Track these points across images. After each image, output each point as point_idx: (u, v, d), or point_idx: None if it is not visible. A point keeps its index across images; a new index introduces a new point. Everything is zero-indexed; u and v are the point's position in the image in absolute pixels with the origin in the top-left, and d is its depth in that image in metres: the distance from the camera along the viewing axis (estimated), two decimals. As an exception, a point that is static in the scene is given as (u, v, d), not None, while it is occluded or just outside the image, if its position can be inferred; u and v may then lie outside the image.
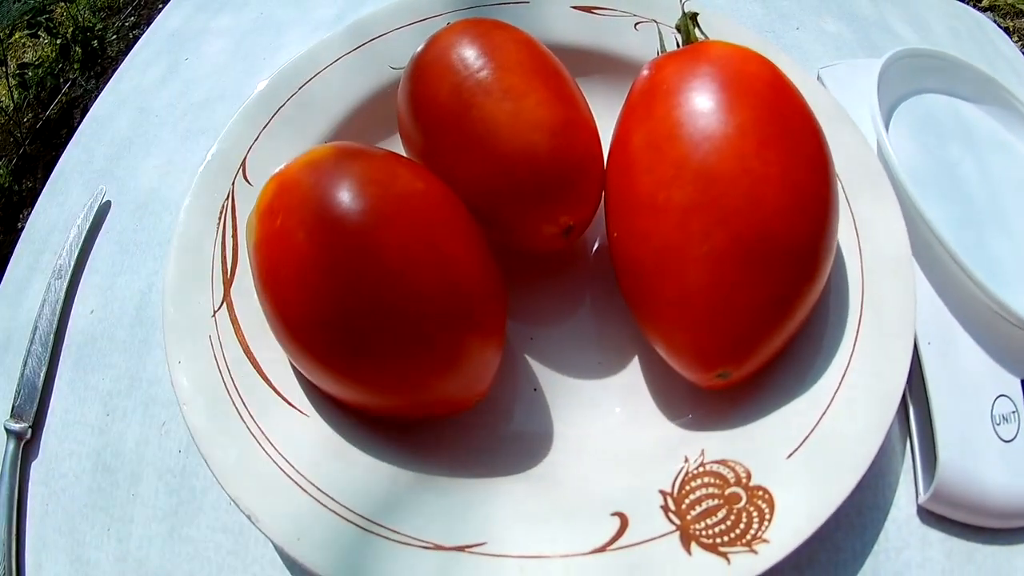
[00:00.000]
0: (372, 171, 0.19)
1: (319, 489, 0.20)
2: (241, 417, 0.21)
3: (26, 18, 0.71)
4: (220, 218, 0.25)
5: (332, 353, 0.19)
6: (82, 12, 0.79)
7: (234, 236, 0.24)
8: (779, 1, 0.36)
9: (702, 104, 0.19)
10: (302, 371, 0.21)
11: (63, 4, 0.78)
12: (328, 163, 0.20)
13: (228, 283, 0.24)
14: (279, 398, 0.22)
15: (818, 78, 0.31)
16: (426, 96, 0.22)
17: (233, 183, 0.25)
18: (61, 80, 0.73)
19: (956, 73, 0.32)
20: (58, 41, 0.75)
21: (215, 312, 0.23)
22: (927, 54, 0.31)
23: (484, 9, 0.29)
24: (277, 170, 0.21)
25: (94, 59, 0.75)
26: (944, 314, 0.25)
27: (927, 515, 0.23)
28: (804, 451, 0.20)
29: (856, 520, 0.23)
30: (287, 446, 0.21)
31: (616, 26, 0.29)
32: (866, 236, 0.23)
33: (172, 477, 0.25)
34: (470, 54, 0.22)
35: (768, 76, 0.20)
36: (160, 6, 0.43)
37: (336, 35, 0.28)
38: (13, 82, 0.71)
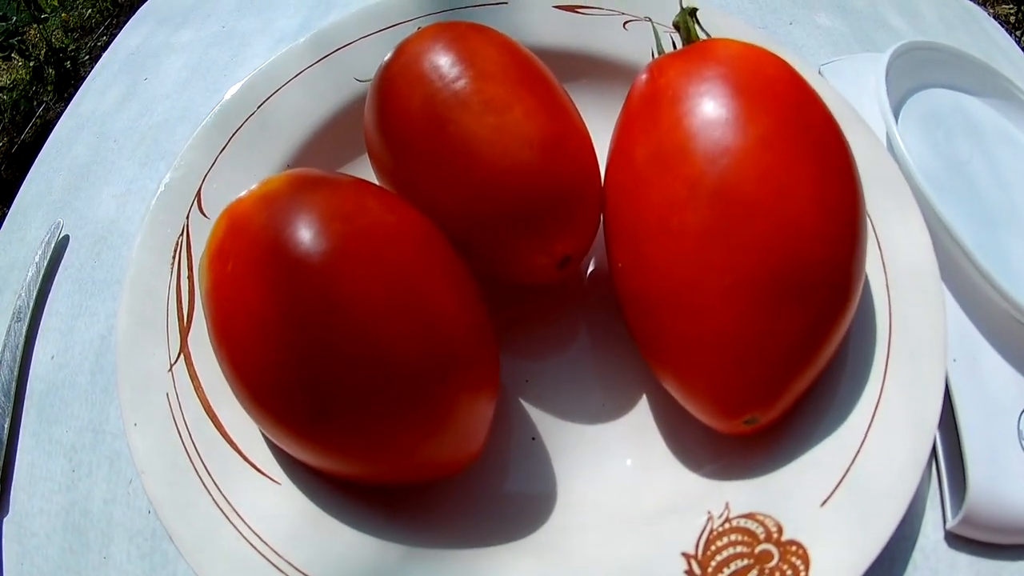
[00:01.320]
0: (333, 203, 0.15)
1: (295, 568, 0.16)
2: (205, 486, 0.18)
3: (-2, 40, 0.65)
4: (174, 258, 0.21)
5: (296, 417, 0.15)
6: (54, 33, 0.73)
7: (189, 278, 0.21)
8: (770, -6, 0.32)
9: (716, 112, 0.16)
10: (267, 435, 0.17)
11: (35, 26, 0.72)
12: (283, 196, 0.16)
13: (185, 332, 0.20)
14: (246, 464, 0.18)
15: (819, 75, 0.28)
16: (395, 111, 0.18)
17: (188, 217, 0.21)
18: (35, 103, 0.68)
19: (958, 66, 0.28)
20: (31, 63, 0.69)
21: (171, 366, 0.19)
22: (928, 47, 0.28)
23: (458, 12, 0.25)
24: (228, 204, 0.17)
25: (68, 80, 0.70)
26: (968, 327, 0.22)
27: (955, 539, 0.21)
28: (839, 496, 0.17)
29: (884, 554, 0.20)
30: (258, 519, 0.17)
31: (603, 25, 0.25)
32: (890, 250, 0.20)
33: (143, 540, 0.22)
34: (444, 61, 0.18)
35: (788, 77, 0.17)
36: (143, 5, 0.38)
37: (297, 47, 0.24)
38: (-15, 107, 0.65)
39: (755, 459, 0.17)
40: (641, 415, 0.19)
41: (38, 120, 0.67)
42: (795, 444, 0.17)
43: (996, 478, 0.20)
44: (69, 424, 0.24)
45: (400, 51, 0.19)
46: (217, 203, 0.22)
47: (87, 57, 0.73)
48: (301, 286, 0.15)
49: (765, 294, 0.15)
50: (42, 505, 0.23)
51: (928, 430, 0.17)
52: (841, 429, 0.17)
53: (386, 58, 0.20)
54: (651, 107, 0.17)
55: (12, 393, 0.25)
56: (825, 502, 0.16)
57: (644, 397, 0.20)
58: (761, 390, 0.16)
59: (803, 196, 0.15)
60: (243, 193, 0.17)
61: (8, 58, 0.69)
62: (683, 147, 0.16)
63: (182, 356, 0.19)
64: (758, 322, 0.15)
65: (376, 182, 0.20)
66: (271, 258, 0.15)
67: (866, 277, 0.20)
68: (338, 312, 0.15)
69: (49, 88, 0.69)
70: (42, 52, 0.70)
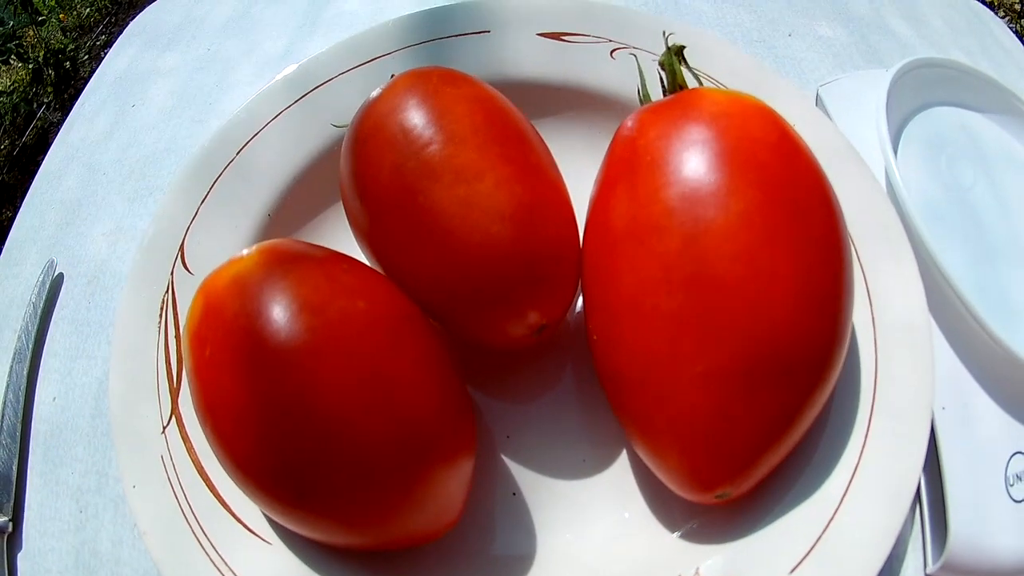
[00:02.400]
0: (304, 292, 0.15)
1: (285, 629, 0.17)
2: (203, 547, 0.18)
3: (-5, 45, 0.64)
4: (161, 316, 0.21)
5: (278, 496, 0.16)
6: (53, 34, 0.72)
7: (177, 337, 0.20)
8: (768, 5, 0.30)
9: (696, 184, 0.15)
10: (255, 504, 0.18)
11: (33, 28, 0.70)
12: (254, 281, 0.15)
13: (175, 393, 0.20)
14: (240, 525, 0.18)
15: (817, 97, 0.26)
16: (367, 177, 0.17)
17: (172, 273, 0.21)
18: (35, 105, 0.67)
19: (964, 82, 0.27)
20: (30, 66, 0.68)
21: (164, 428, 0.19)
22: (934, 63, 0.26)
23: (439, 43, 0.24)
24: (204, 280, 0.17)
25: (67, 82, 0.68)
26: (960, 372, 0.21)
27: (935, 583, 0.20)
28: (809, 564, 0.16)
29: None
30: (250, 579, 0.17)
31: (590, 54, 0.24)
32: (881, 304, 0.19)
33: (152, 581, 0.22)
34: (415, 123, 0.17)
35: (775, 139, 0.16)
36: (124, 29, 0.37)
37: (274, 87, 0.23)
38: (-13, 111, 0.65)
39: (730, 523, 0.17)
40: (621, 471, 0.19)
41: (39, 123, 0.66)
42: (769, 509, 0.17)
43: (979, 524, 0.20)
44: (73, 466, 0.25)
45: (371, 109, 0.18)
46: (200, 257, 0.21)
47: (86, 57, 0.71)
48: (275, 377, 0.15)
49: (739, 380, 0.14)
50: (53, 544, 0.23)
51: (905, 499, 0.17)
52: (816, 495, 0.17)
53: (358, 115, 0.19)
54: (630, 172, 0.16)
55: (18, 435, 0.26)
56: (795, 568, 0.16)
57: (624, 453, 0.19)
58: (733, 467, 0.15)
59: (782, 279, 0.14)
60: (219, 266, 0.17)
61: (7, 61, 0.68)
62: (659, 224, 0.15)
63: (174, 418, 0.19)
64: (730, 406, 0.14)
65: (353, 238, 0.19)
66: (245, 349, 0.15)
67: (853, 332, 0.19)
68: (311, 403, 0.14)
69: (49, 89, 0.68)
70: (41, 54, 0.69)
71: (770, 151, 0.16)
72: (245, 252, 0.16)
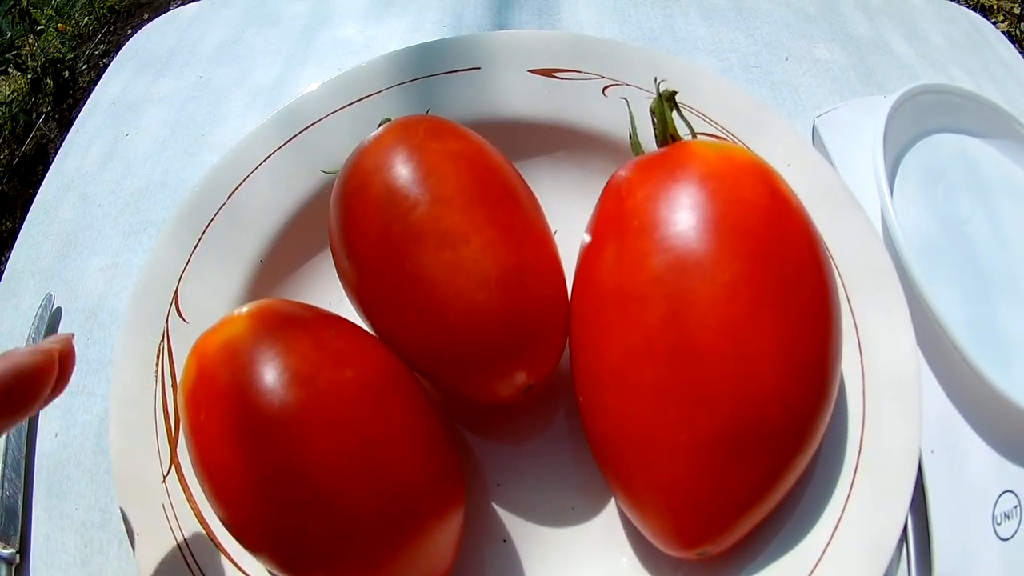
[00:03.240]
0: (292, 361, 0.15)
1: None
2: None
3: (-7, 55, 0.63)
4: (158, 366, 0.21)
5: (272, 556, 0.16)
6: (51, 44, 0.71)
7: (174, 387, 0.20)
8: (765, 28, 0.29)
9: (683, 252, 0.15)
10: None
11: (32, 38, 0.70)
12: (244, 350, 0.16)
13: (174, 443, 0.20)
14: (240, 573, 0.19)
15: (813, 128, 0.26)
16: (355, 234, 0.17)
17: (167, 321, 0.21)
18: (34, 115, 0.67)
19: (964, 108, 0.26)
20: (29, 75, 0.67)
21: (164, 477, 0.20)
22: (932, 90, 0.25)
23: (430, 80, 0.24)
24: (196, 341, 0.17)
25: (66, 91, 0.68)
26: (951, 412, 0.21)
27: (921, 623, 0.20)
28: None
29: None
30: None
31: (582, 91, 0.23)
32: (871, 355, 0.19)
33: (156, 615, 0.23)
34: (401, 183, 0.17)
35: (764, 201, 0.15)
36: (129, 31, 0.37)
37: (263, 129, 0.23)
38: (-15, 122, 0.64)
39: (715, 574, 0.17)
40: (610, 519, 0.19)
41: (38, 132, 0.66)
42: (752, 559, 0.17)
43: (965, 563, 0.20)
44: (77, 502, 0.25)
45: (357, 163, 0.18)
46: (194, 305, 0.21)
47: (85, 66, 0.71)
48: (267, 445, 0.15)
49: (721, 449, 0.14)
50: (61, 576, 0.24)
51: (886, 552, 0.17)
52: (799, 547, 0.17)
53: (345, 169, 0.18)
54: (618, 234, 0.16)
55: (22, 469, 0.26)
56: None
57: (612, 501, 0.20)
58: (714, 527, 0.15)
59: (767, 351, 0.14)
60: (211, 327, 0.17)
61: (5, 72, 0.68)
62: (644, 293, 0.15)
63: (173, 467, 0.20)
64: (712, 473, 0.14)
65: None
66: (238, 417, 0.15)
67: (842, 383, 0.19)
68: (302, 470, 0.15)
69: (48, 99, 0.67)
70: (39, 63, 0.68)
71: (760, 215, 0.15)
72: (236, 313, 0.17)
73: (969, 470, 0.21)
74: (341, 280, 0.19)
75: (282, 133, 0.23)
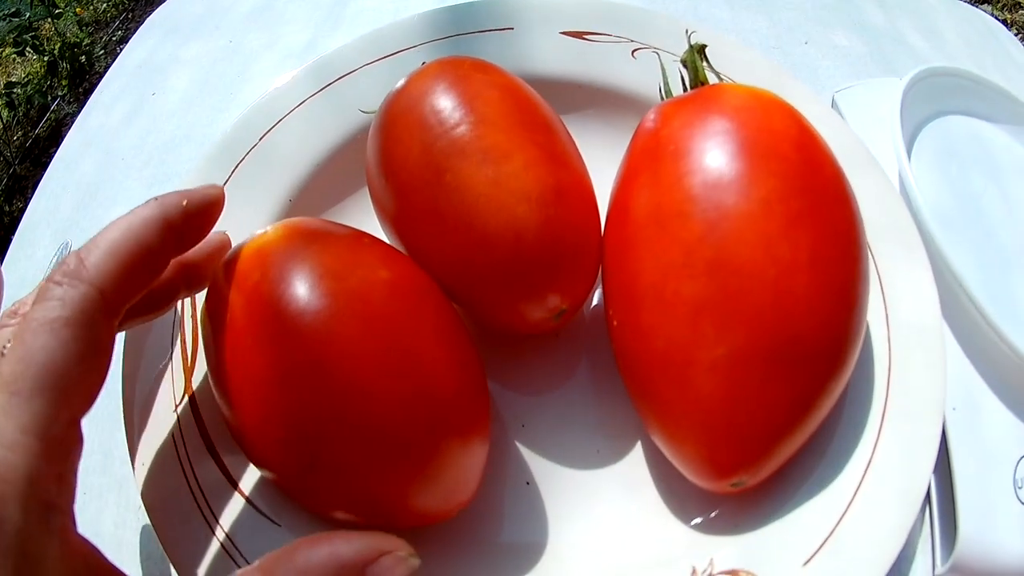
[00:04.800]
0: (325, 261, 0.15)
1: (292, 611, 0.16)
2: (209, 525, 0.18)
3: (12, 36, 0.65)
4: (177, 295, 0.21)
5: (290, 468, 0.16)
6: (69, 28, 0.73)
7: (193, 317, 0.20)
8: (785, 14, 0.31)
9: (718, 171, 0.15)
10: (267, 479, 0.18)
11: (50, 21, 0.71)
12: (277, 252, 0.16)
13: (189, 372, 0.20)
14: (249, 505, 0.18)
15: (832, 102, 0.27)
16: (396, 156, 0.18)
17: (191, 252, 0.21)
18: (49, 98, 0.68)
19: (976, 92, 0.27)
20: (46, 58, 0.69)
21: (176, 406, 0.19)
22: (948, 72, 0.27)
23: (463, 38, 0.25)
24: (227, 255, 0.17)
25: (82, 75, 0.69)
26: (971, 373, 0.22)
27: (943, 585, 0.20)
28: (821, 558, 0.16)
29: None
30: (260, 559, 0.17)
31: (611, 54, 0.24)
32: (895, 304, 0.19)
33: (152, 564, 0.22)
34: (445, 105, 0.17)
35: (795, 132, 0.16)
36: (146, 20, 0.38)
37: (298, 76, 0.24)
38: (0, 102, 0.65)
39: (742, 514, 0.17)
40: (635, 462, 0.19)
41: (52, 115, 0.67)
42: (783, 502, 0.17)
43: (987, 527, 0.20)
44: (79, 446, 0.25)
45: (402, 91, 0.19)
46: (219, 238, 0.22)
47: (102, 52, 0.73)
48: (294, 344, 0.15)
49: (757, 366, 0.14)
50: (55, 525, 0.24)
51: (917, 496, 0.17)
52: (829, 489, 0.17)
53: (388, 98, 0.19)
54: (653, 160, 0.17)
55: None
56: (807, 562, 0.16)
57: (639, 443, 0.20)
58: (749, 455, 0.15)
59: (801, 266, 0.14)
60: (242, 242, 0.17)
61: (22, 53, 0.69)
62: (682, 209, 0.15)
63: (187, 396, 0.20)
64: (748, 393, 0.15)
65: (377, 219, 0.20)
66: (266, 314, 0.15)
67: (867, 329, 0.19)
68: (329, 371, 0.15)
69: (63, 83, 0.69)
70: (56, 47, 0.70)
71: (790, 144, 0.16)
72: (268, 228, 0.17)
73: (990, 432, 0.21)
74: (376, 207, 0.19)
75: (316, 82, 0.24)
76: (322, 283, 0.15)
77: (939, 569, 0.20)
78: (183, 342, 0.20)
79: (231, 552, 0.18)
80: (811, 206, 0.15)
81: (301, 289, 0.15)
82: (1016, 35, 0.34)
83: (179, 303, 0.21)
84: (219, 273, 0.17)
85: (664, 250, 0.15)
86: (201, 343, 0.20)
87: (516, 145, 0.17)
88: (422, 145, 0.17)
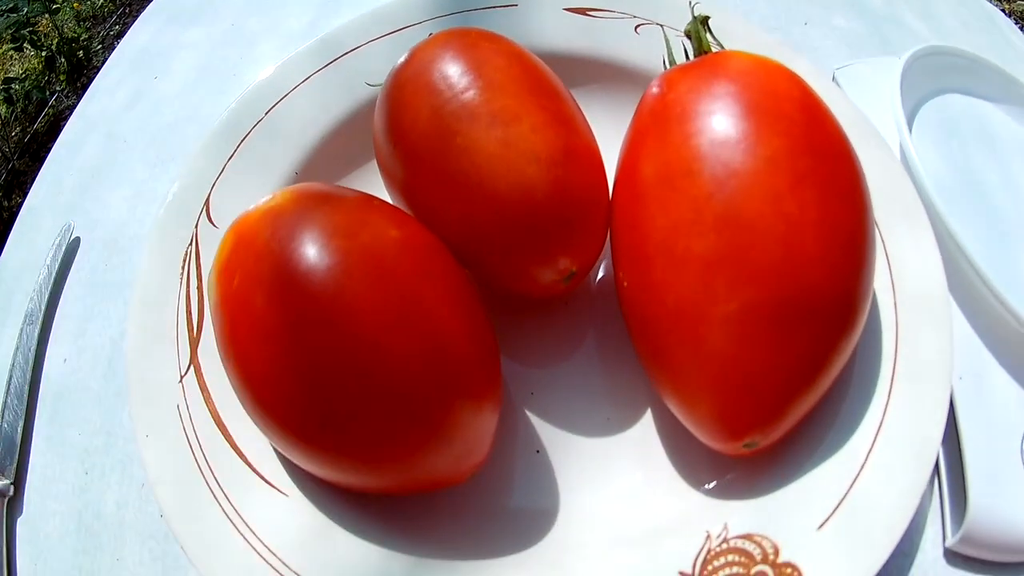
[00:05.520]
0: (336, 219, 0.15)
1: (301, 578, 0.16)
2: (215, 497, 0.18)
3: (9, 31, 0.65)
4: (184, 267, 0.21)
5: (300, 429, 0.15)
6: (67, 23, 0.73)
7: (199, 288, 0.21)
8: (785, -6, 0.31)
9: (725, 131, 0.15)
10: (275, 446, 0.18)
11: (47, 16, 0.71)
12: (287, 212, 0.16)
13: (195, 343, 0.20)
14: (255, 475, 0.18)
15: (833, 79, 0.27)
16: (404, 121, 0.18)
17: (196, 226, 0.21)
18: (48, 93, 0.68)
19: (975, 71, 0.28)
20: (43, 53, 0.69)
21: (182, 377, 0.19)
22: (946, 52, 0.27)
23: (468, 15, 0.25)
24: (236, 218, 0.17)
25: (80, 70, 0.69)
26: (976, 343, 0.22)
27: (954, 556, 0.20)
28: (836, 520, 0.16)
29: (881, 570, 0.20)
30: (266, 529, 0.17)
31: (615, 29, 0.25)
32: (900, 270, 0.19)
33: (155, 543, 0.22)
34: (453, 71, 0.17)
35: (798, 94, 0.16)
36: (147, 6, 0.38)
37: (304, 51, 0.24)
38: (-1, 97, 0.65)
39: (755, 479, 0.17)
40: (645, 429, 0.19)
41: (50, 110, 0.67)
42: (795, 466, 0.17)
43: (997, 497, 0.20)
44: (81, 427, 0.24)
45: (410, 59, 0.19)
46: (226, 212, 0.22)
47: (100, 46, 0.73)
48: (304, 301, 0.15)
49: (768, 321, 0.14)
50: (55, 507, 0.23)
51: (929, 458, 0.17)
52: (841, 453, 0.17)
53: (396, 65, 0.19)
54: (660, 123, 0.17)
55: (25, 396, 0.25)
56: (822, 525, 0.16)
57: (649, 411, 0.20)
58: (762, 414, 0.15)
59: (810, 221, 0.14)
60: (251, 207, 0.17)
61: (20, 48, 0.69)
62: (690, 168, 0.15)
63: (192, 367, 0.20)
64: (761, 348, 0.15)
65: (385, 191, 0.20)
66: (275, 273, 0.15)
67: (874, 296, 0.19)
68: (340, 326, 0.15)
69: (61, 78, 0.69)
70: (54, 42, 0.70)
71: (795, 106, 0.16)
72: (276, 193, 0.17)
73: (997, 403, 0.21)
74: (384, 175, 0.19)
75: (321, 57, 0.24)
76: (332, 241, 0.15)
77: (950, 541, 0.20)
78: (188, 313, 0.20)
79: (237, 525, 0.17)
80: (817, 165, 0.15)
81: (311, 246, 0.15)
82: (1016, 24, 0.35)
83: (183, 275, 0.21)
84: (228, 236, 0.17)
85: (673, 208, 0.15)
86: (208, 312, 0.20)
87: (525, 109, 0.17)
88: (431, 109, 0.17)
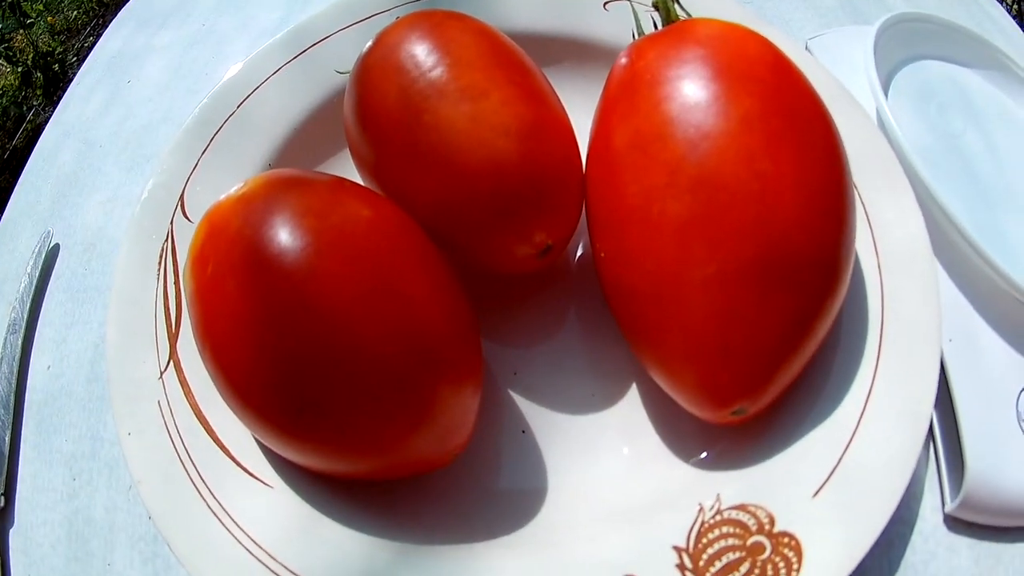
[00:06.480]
0: (307, 201, 0.15)
1: (289, 570, 0.16)
2: (199, 492, 0.18)
3: (-17, 48, 0.64)
4: (160, 263, 0.21)
5: (279, 415, 0.15)
6: (41, 37, 0.72)
7: (176, 283, 0.20)
8: (756, -32, 0.31)
9: (696, 94, 0.15)
10: (256, 437, 0.17)
11: (22, 32, 0.71)
12: (259, 197, 0.16)
13: (174, 338, 0.20)
14: (239, 468, 0.18)
15: (806, 49, 0.27)
16: (373, 103, 0.18)
17: (172, 222, 0.21)
18: (25, 108, 0.67)
19: (950, 37, 0.28)
20: (19, 69, 0.68)
21: (162, 373, 0.19)
22: (920, 18, 0.27)
23: (435, 1, 0.25)
24: (207, 210, 0.17)
25: (56, 84, 0.69)
26: (964, 306, 0.22)
27: (953, 522, 0.20)
28: (831, 487, 0.16)
29: (881, 537, 0.20)
30: (251, 523, 0.17)
31: (583, 7, 0.25)
32: (882, 232, 0.19)
33: (145, 545, 0.22)
34: (421, 50, 0.17)
35: (770, 58, 0.16)
36: (123, 9, 0.37)
37: (274, 43, 0.24)
38: (-24, 115, 0.64)
39: (746, 449, 0.17)
40: (631, 404, 0.19)
41: (28, 125, 0.66)
42: (786, 433, 0.17)
43: (994, 461, 0.20)
44: (68, 433, 0.24)
45: (377, 42, 0.19)
46: (201, 207, 0.21)
47: (75, 59, 0.72)
48: (277, 284, 0.15)
49: (749, 282, 0.14)
50: (46, 516, 0.23)
51: (922, 419, 0.17)
52: (832, 418, 0.17)
53: (364, 49, 0.19)
54: (630, 91, 0.17)
55: (11, 405, 0.25)
56: (817, 493, 0.16)
57: (634, 386, 0.20)
58: (748, 380, 0.15)
59: (786, 180, 0.14)
60: (223, 197, 0.17)
61: (-4, 65, 0.68)
62: (662, 132, 0.15)
63: (172, 363, 0.19)
64: (743, 311, 0.14)
65: (358, 177, 0.20)
66: (248, 258, 0.15)
67: (857, 260, 0.19)
68: (315, 309, 0.14)
69: (38, 92, 0.68)
70: (29, 57, 0.69)
71: (766, 68, 0.16)
72: (247, 180, 0.17)
73: (988, 362, 0.21)
74: (355, 159, 0.19)
75: (291, 48, 0.24)
76: (303, 221, 0.15)
77: (949, 507, 0.20)
78: (166, 309, 0.20)
79: (223, 520, 0.17)
80: (791, 125, 0.15)
81: (282, 228, 0.15)
82: (1003, 4, 0.35)
83: (160, 271, 0.21)
84: (201, 226, 0.16)
85: (646, 173, 0.15)
86: (185, 306, 0.20)
87: (493, 84, 0.17)
88: (399, 88, 0.17)
